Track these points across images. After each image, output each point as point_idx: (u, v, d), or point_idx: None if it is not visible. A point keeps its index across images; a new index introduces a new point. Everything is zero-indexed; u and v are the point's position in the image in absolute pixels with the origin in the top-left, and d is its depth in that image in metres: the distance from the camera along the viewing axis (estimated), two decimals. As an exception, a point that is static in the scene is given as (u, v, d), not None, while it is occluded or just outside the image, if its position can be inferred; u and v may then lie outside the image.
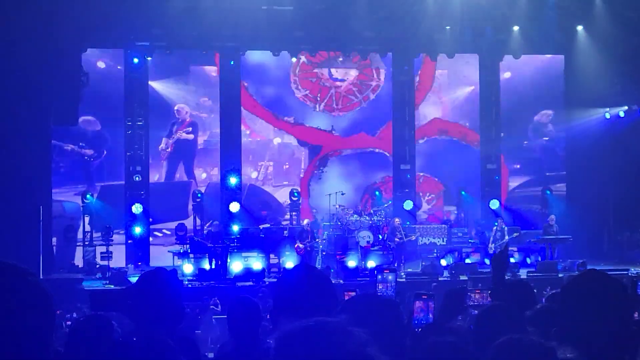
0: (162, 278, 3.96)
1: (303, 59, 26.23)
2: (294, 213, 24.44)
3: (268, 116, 26.51)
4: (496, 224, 22.58)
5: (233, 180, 24.19)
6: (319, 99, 26.74)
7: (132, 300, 4.00)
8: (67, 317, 13.70)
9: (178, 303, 3.92)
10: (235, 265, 21.02)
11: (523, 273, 20.79)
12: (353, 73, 26.96)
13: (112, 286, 19.40)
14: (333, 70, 26.87)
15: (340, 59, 26.33)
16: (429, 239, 23.78)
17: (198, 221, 23.69)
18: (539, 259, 22.41)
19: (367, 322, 3.29)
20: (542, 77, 26.62)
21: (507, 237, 22.16)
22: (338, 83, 26.89)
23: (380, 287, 5.82)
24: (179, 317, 3.90)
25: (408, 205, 24.34)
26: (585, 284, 3.23)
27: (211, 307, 15.94)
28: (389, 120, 26.23)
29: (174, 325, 3.86)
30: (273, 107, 26.55)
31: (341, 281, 19.86)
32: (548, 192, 25.53)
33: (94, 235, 22.69)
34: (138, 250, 23.29)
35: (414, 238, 22.79)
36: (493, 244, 22.14)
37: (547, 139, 27.49)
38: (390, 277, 5.91)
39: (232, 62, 24.38)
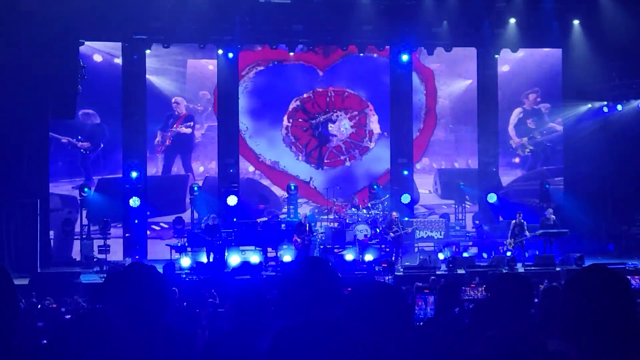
0: (141, 271, 3.91)
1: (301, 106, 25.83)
2: (291, 207, 24.42)
3: (249, 155, 25.82)
4: (514, 219, 22.31)
5: (230, 173, 24.16)
6: (305, 149, 26.08)
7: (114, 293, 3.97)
8: (63, 310, 13.72)
9: (160, 293, 3.86)
10: (233, 259, 21.02)
11: (520, 267, 20.82)
12: (345, 131, 26.29)
13: (110, 279, 19.40)
14: (329, 125, 26.16)
15: (337, 114, 26.04)
16: (426, 233, 23.77)
17: (195, 215, 23.66)
18: (537, 253, 22.40)
19: (369, 313, 3.27)
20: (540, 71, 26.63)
21: (528, 234, 22.08)
22: (329, 137, 26.26)
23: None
24: (163, 307, 3.84)
25: (406, 199, 24.30)
26: (587, 278, 3.17)
27: (209, 300, 15.93)
28: (366, 185, 25.70)
29: (157, 315, 3.81)
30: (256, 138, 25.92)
31: (339, 275, 19.85)
32: (547, 185, 25.51)
33: (92, 228, 22.69)
34: (135, 243, 23.28)
35: (409, 231, 22.74)
36: (512, 239, 22.04)
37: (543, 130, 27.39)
38: (387, 271, 5.93)
39: (230, 55, 24.31)
